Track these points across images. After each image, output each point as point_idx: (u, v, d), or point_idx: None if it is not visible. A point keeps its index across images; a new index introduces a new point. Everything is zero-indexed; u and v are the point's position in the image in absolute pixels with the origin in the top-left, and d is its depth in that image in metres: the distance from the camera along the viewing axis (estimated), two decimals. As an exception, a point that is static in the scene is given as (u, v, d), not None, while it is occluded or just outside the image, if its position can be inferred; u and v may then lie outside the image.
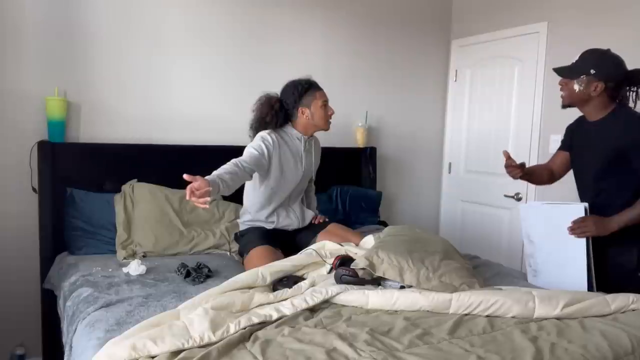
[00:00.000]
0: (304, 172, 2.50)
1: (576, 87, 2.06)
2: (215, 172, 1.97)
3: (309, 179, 2.64)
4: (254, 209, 2.45)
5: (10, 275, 2.58)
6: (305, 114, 2.42)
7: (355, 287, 1.82)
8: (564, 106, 2.18)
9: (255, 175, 2.33)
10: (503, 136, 3.53)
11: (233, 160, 2.12)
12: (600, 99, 2.05)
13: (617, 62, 2.04)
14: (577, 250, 2.02)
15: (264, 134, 2.36)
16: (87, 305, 1.78)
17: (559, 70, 2.13)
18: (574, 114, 3.10)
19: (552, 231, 2.09)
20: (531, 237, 2.19)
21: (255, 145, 2.31)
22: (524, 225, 2.23)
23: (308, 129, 2.47)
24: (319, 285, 1.86)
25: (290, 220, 2.50)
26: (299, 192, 2.56)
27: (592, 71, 2.01)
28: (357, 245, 2.36)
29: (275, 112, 2.39)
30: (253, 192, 2.44)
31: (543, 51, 3.23)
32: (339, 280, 1.84)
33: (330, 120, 2.50)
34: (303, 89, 2.42)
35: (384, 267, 1.86)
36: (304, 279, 1.94)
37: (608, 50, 2.06)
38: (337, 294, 1.77)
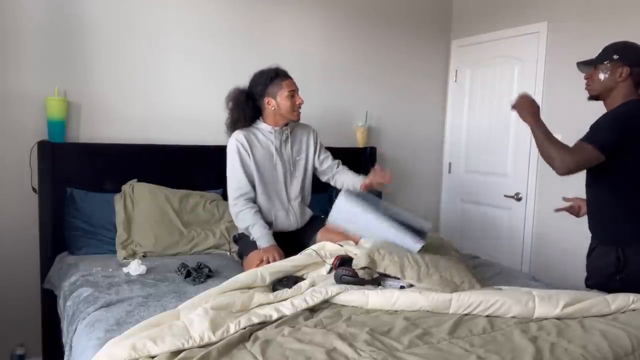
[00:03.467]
0: (284, 165, 2.42)
1: (601, 75, 2.04)
2: (264, 231, 2.25)
3: (302, 169, 2.50)
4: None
5: (10, 275, 2.58)
6: (271, 105, 2.35)
7: (355, 287, 1.82)
8: (591, 98, 2.14)
9: None
10: (503, 136, 3.53)
11: (254, 209, 2.31)
12: (625, 85, 2.01)
13: (638, 47, 2.02)
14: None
15: (233, 141, 2.34)
16: (87, 305, 1.78)
17: (582, 63, 2.11)
18: (574, 113, 3.10)
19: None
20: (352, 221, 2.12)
21: (236, 166, 2.32)
22: (336, 213, 2.12)
23: (277, 120, 2.39)
24: (319, 285, 1.86)
25: (289, 222, 2.46)
26: (298, 187, 2.49)
27: (615, 56, 2.00)
28: (356, 243, 2.36)
29: (241, 107, 2.36)
30: None
31: (543, 51, 3.23)
32: (339, 280, 1.84)
33: (298, 110, 2.38)
34: (269, 78, 2.34)
35: (385, 263, 1.86)
36: (303, 279, 1.94)
37: (628, 41, 2.06)
38: (337, 293, 1.77)
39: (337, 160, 2.63)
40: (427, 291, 1.77)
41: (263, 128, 2.40)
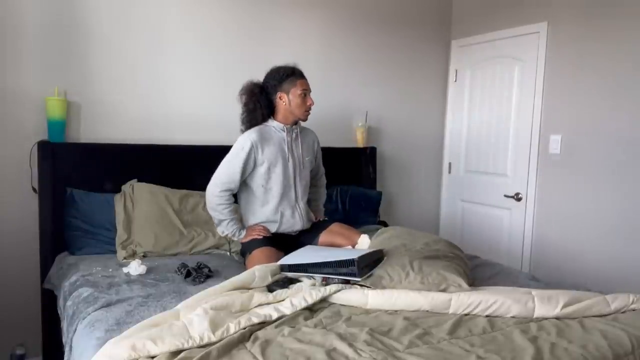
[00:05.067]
0: (294, 163, 2.44)
1: None
2: (234, 216, 2.38)
3: (308, 170, 2.56)
4: (257, 209, 2.43)
5: (10, 275, 2.58)
6: (283, 100, 2.38)
7: (349, 285, 1.83)
8: None
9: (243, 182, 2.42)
10: (503, 136, 3.53)
11: (232, 206, 2.38)
12: None
13: None
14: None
15: (247, 142, 2.33)
16: (87, 305, 1.78)
17: None
18: (574, 114, 3.11)
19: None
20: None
21: (237, 163, 2.33)
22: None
23: (287, 117, 2.42)
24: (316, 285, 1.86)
25: (294, 220, 2.46)
26: (304, 187, 2.52)
27: None
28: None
29: (256, 99, 2.38)
30: (247, 195, 2.45)
31: (543, 51, 3.23)
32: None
33: (308, 111, 2.43)
34: (285, 74, 2.38)
35: (392, 285, 1.87)
36: (300, 280, 1.93)
37: None
38: (336, 291, 1.78)
39: (322, 175, 2.78)
40: (426, 291, 1.78)
41: (275, 126, 2.43)
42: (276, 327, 1.55)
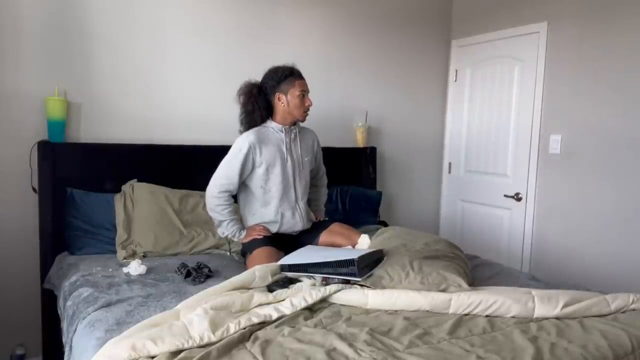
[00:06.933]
0: (293, 164, 2.45)
1: None
2: (234, 217, 2.38)
3: (308, 170, 2.57)
4: (256, 210, 2.44)
5: (10, 275, 2.58)
6: (281, 101, 2.38)
7: (349, 285, 1.83)
8: None
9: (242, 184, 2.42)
10: (503, 136, 3.53)
11: (232, 206, 2.38)
12: None
13: None
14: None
15: (246, 143, 2.33)
16: (87, 305, 1.78)
17: None
18: (574, 114, 3.11)
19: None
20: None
21: (235, 165, 2.33)
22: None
23: (285, 117, 2.42)
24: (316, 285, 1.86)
25: (294, 221, 2.46)
26: (304, 187, 2.52)
27: None
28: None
29: (254, 99, 2.37)
30: (246, 195, 2.45)
31: (543, 51, 3.23)
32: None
33: (307, 111, 2.43)
34: (283, 75, 2.38)
35: (392, 285, 1.87)
36: (300, 280, 1.93)
37: None
38: (336, 291, 1.78)
39: (323, 175, 2.78)
40: (426, 291, 1.78)
41: (273, 127, 2.43)
42: (276, 327, 1.55)
